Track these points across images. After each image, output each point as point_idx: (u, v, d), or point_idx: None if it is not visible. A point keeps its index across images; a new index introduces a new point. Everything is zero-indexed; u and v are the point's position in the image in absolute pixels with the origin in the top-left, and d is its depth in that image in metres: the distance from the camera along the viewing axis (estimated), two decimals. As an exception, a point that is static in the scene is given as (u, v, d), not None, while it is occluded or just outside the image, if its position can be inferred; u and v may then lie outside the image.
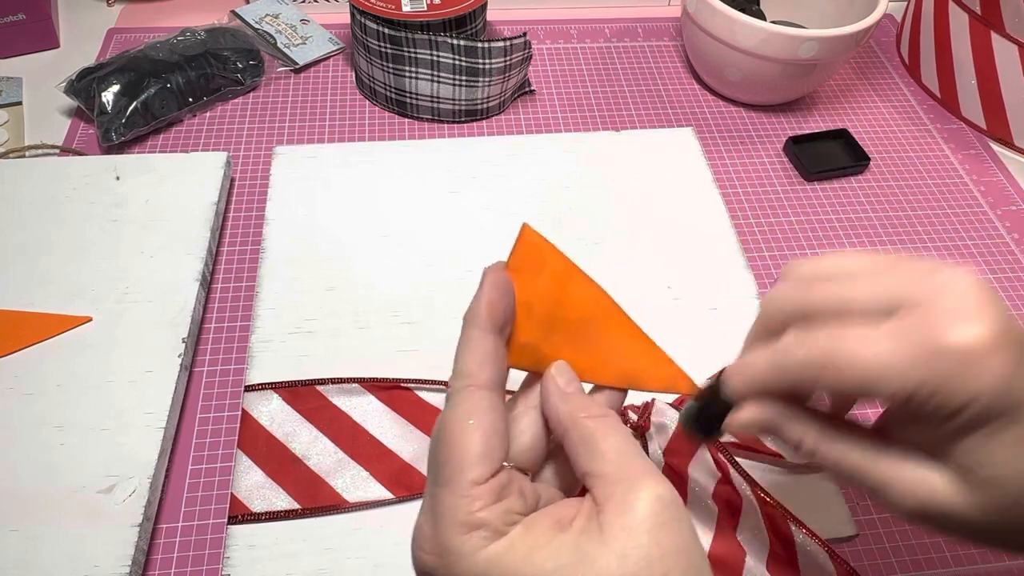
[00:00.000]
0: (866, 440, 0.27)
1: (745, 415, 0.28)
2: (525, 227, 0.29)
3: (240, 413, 0.41)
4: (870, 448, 0.27)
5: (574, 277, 0.30)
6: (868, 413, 0.45)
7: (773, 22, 0.61)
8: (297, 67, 0.66)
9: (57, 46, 0.67)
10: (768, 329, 0.27)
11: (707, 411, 0.29)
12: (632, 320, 0.30)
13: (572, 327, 0.29)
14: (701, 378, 0.44)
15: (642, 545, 0.23)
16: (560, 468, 0.28)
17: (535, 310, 0.29)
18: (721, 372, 0.28)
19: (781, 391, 0.27)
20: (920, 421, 0.25)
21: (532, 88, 0.66)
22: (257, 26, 0.67)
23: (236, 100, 0.63)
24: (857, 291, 0.25)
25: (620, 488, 0.25)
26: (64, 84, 0.58)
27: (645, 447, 0.37)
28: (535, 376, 0.29)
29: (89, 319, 0.44)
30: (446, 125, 0.62)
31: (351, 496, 0.38)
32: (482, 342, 0.27)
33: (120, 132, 0.56)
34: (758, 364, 0.27)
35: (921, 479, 0.25)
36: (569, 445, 0.27)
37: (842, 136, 0.63)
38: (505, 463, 0.26)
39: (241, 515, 0.37)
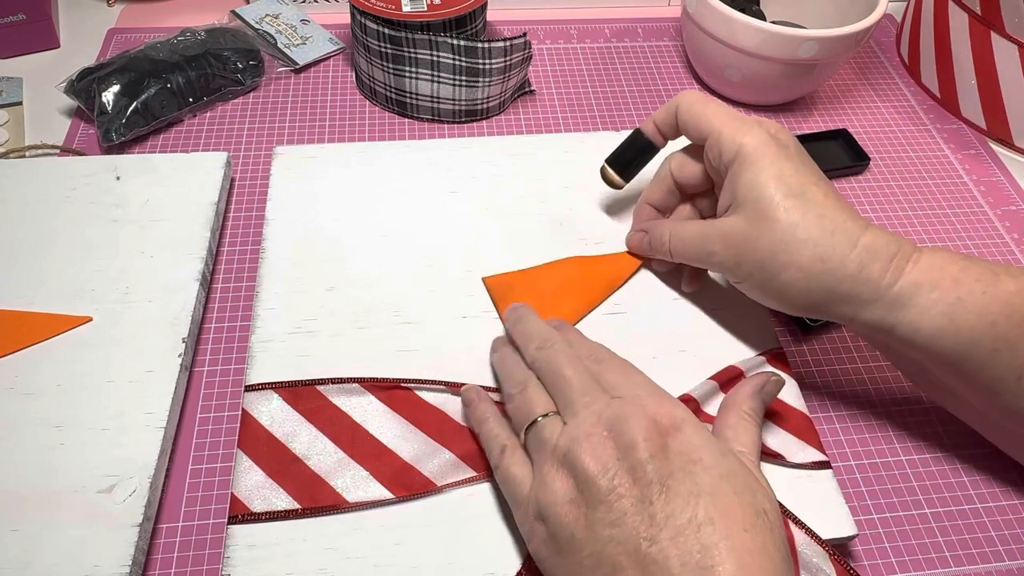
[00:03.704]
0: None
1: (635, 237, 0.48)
2: (485, 280, 0.46)
3: (240, 413, 0.41)
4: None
5: (534, 273, 0.47)
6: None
7: (773, 22, 0.61)
8: (297, 67, 0.66)
9: (57, 46, 0.67)
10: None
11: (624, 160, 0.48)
12: (581, 258, 0.48)
13: (559, 294, 0.45)
14: (701, 378, 0.44)
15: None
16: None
17: (536, 303, 0.44)
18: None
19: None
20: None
21: (532, 88, 0.66)
22: (257, 26, 0.67)
23: (236, 100, 0.63)
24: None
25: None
26: (64, 84, 0.58)
27: None
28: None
29: (89, 319, 0.44)
30: (446, 125, 0.62)
31: (351, 496, 0.38)
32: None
33: (120, 132, 0.56)
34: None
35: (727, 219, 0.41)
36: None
37: (842, 136, 0.63)
38: None
39: (241, 515, 0.37)
